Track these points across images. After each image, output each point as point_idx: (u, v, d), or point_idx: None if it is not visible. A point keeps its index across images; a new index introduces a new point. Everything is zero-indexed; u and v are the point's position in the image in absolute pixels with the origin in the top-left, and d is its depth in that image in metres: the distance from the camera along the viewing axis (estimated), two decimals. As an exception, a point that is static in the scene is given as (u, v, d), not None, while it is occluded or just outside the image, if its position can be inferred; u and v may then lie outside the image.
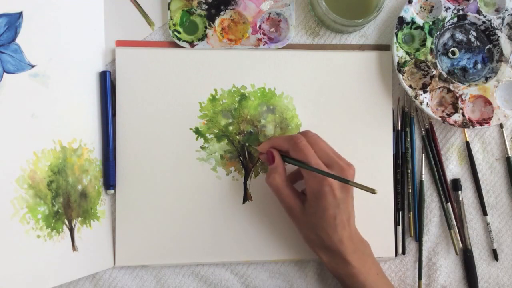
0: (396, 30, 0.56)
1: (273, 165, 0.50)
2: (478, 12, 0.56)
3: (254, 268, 0.56)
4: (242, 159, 0.56)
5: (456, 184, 0.57)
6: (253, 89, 0.56)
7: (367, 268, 0.49)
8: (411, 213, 0.57)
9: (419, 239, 0.57)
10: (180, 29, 0.55)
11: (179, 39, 0.55)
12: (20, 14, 0.47)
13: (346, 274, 0.49)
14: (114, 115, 0.55)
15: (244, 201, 0.55)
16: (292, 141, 0.49)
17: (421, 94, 0.55)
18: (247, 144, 0.55)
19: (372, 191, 0.44)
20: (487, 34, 0.57)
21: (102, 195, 0.54)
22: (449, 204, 0.57)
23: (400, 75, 0.55)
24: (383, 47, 0.58)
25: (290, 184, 0.51)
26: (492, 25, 0.56)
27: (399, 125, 0.57)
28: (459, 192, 0.58)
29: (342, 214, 0.48)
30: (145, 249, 0.54)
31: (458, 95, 0.56)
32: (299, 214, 0.50)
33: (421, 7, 0.57)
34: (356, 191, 0.48)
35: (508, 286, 0.58)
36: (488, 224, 0.58)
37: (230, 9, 0.55)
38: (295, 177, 0.54)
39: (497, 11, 0.56)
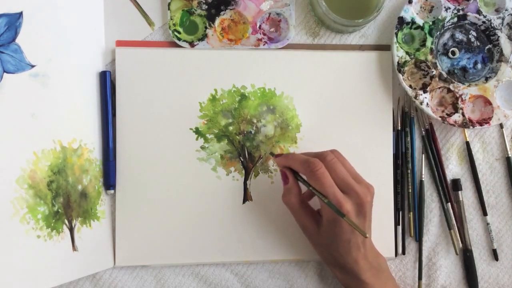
0: (396, 30, 0.56)
1: (288, 186, 0.50)
2: (478, 12, 0.56)
3: (254, 268, 0.56)
4: (242, 159, 0.56)
5: (456, 184, 0.57)
6: (253, 89, 0.56)
7: (381, 283, 0.49)
8: (411, 213, 0.57)
9: (419, 239, 0.57)
10: (180, 29, 0.55)
11: (179, 39, 0.55)
12: (20, 14, 0.47)
13: None
14: (114, 115, 0.55)
15: (244, 201, 0.55)
16: (309, 168, 0.47)
17: (421, 94, 0.55)
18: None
19: (364, 234, 0.45)
20: (487, 34, 0.57)
21: (102, 195, 0.54)
22: (449, 204, 0.57)
23: (400, 75, 0.55)
24: (383, 47, 0.58)
25: (306, 203, 0.51)
26: (492, 25, 0.56)
27: (399, 125, 0.57)
28: (459, 192, 0.57)
29: (357, 237, 0.48)
30: (145, 249, 0.54)
31: (458, 95, 0.56)
32: (314, 234, 0.50)
33: (421, 7, 0.57)
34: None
35: (508, 286, 0.58)
36: (488, 224, 0.58)
37: (230, 9, 0.55)
38: (311, 194, 0.53)
39: (497, 11, 0.56)
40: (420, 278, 0.57)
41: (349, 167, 0.50)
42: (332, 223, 0.48)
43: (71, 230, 0.50)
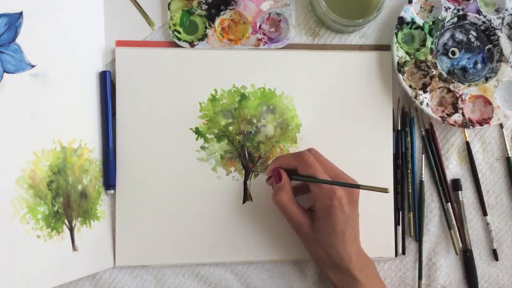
0: (396, 30, 0.56)
1: (280, 183, 0.50)
2: (478, 12, 0.56)
3: (254, 268, 0.56)
4: (242, 159, 0.56)
5: (456, 184, 0.57)
6: (253, 89, 0.56)
7: (374, 286, 0.50)
8: (411, 213, 0.57)
9: (419, 239, 0.57)
10: (180, 29, 0.55)
11: (179, 39, 0.55)
12: (20, 14, 0.47)
13: (349, 286, 0.49)
14: (114, 115, 0.55)
15: (244, 201, 0.55)
16: (300, 157, 0.49)
17: (421, 94, 0.55)
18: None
19: (385, 190, 0.44)
20: (487, 34, 0.57)
21: (102, 195, 0.54)
22: (449, 204, 0.57)
23: (400, 75, 0.55)
24: (383, 47, 0.58)
25: (297, 201, 0.50)
26: (492, 25, 0.56)
27: (399, 125, 0.57)
28: (459, 192, 0.57)
29: (350, 229, 0.48)
30: (145, 249, 0.54)
31: (458, 95, 0.56)
32: (308, 231, 0.49)
33: (421, 7, 0.57)
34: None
35: (508, 286, 0.58)
36: (488, 224, 0.58)
37: (230, 9, 0.55)
38: (296, 192, 0.52)
39: (497, 11, 0.56)
40: (420, 278, 0.57)
41: (332, 163, 0.51)
42: (327, 213, 0.47)
43: (71, 230, 0.50)
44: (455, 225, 0.57)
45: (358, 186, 0.46)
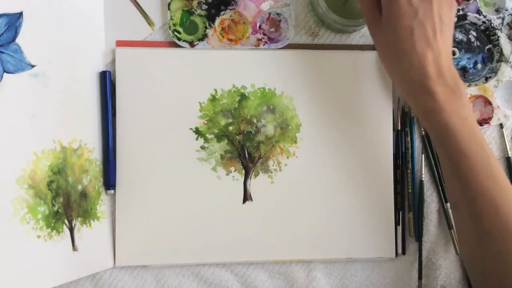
0: (396, 30, 0.55)
1: None
2: (478, 12, 0.56)
3: (254, 268, 0.56)
4: (242, 159, 0.56)
5: (456, 184, 0.57)
6: (253, 89, 0.56)
7: (454, 107, 0.39)
8: (411, 213, 0.57)
9: (419, 239, 0.57)
10: (180, 29, 0.55)
11: (179, 39, 0.55)
12: (20, 14, 0.47)
13: (427, 108, 0.40)
14: (114, 115, 0.55)
15: (244, 201, 0.55)
16: None
17: (421, 94, 0.55)
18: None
19: None
20: (487, 34, 0.57)
21: (102, 195, 0.54)
22: (448, 204, 0.57)
23: (400, 75, 0.55)
24: (383, 47, 0.58)
25: None
26: (492, 25, 0.56)
27: (399, 125, 0.57)
28: (459, 192, 0.57)
29: (422, 27, 0.39)
30: (145, 249, 0.54)
31: (458, 95, 0.56)
32: (375, 26, 0.42)
33: (421, 7, 0.57)
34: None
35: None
36: (488, 224, 0.58)
37: (230, 9, 0.55)
38: None
39: (497, 11, 0.57)
40: (420, 278, 0.57)
41: None
42: (390, 3, 0.39)
43: (71, 230, 0.50)
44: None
45: None
